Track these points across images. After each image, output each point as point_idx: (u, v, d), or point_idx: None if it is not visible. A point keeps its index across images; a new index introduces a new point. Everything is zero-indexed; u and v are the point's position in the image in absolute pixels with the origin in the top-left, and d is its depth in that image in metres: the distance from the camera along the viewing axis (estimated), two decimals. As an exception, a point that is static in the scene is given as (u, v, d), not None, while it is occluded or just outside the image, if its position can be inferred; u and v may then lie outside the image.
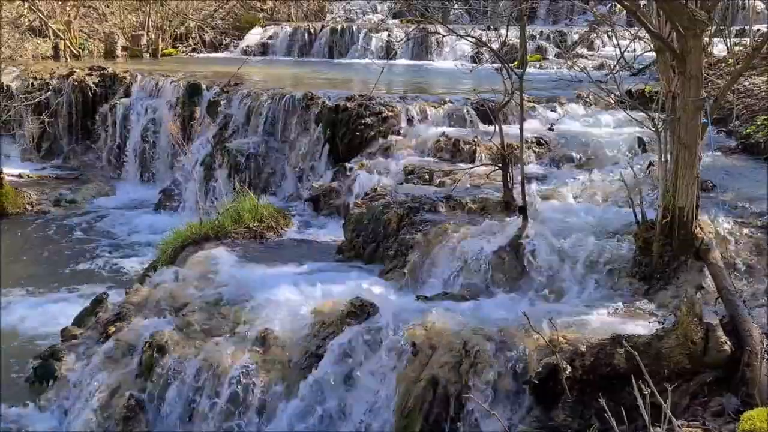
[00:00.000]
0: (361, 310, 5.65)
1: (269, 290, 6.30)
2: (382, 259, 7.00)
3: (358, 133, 9.97)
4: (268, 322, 5.88)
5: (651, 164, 7.78)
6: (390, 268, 6.78)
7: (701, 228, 5.68)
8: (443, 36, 7.55)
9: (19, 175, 12.68)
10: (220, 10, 20.70)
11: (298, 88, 11.70)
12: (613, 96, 6.76)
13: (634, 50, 11.44)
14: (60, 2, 16.82)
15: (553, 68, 15.06)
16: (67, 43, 16.92)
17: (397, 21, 21.28)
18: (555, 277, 6.05)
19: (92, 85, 13.69)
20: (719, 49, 12.89)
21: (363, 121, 10.00)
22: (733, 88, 8.42)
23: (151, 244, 9.67)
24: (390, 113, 10.03)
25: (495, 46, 14.88)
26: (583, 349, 4.72)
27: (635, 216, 5.87)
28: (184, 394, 5.62)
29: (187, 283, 6.79)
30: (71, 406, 5.97)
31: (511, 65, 11.47)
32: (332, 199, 9.00)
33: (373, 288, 6.35)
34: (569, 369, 4.61)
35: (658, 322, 4.99)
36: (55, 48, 16.80)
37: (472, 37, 7.37)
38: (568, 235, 6.29)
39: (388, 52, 16.60)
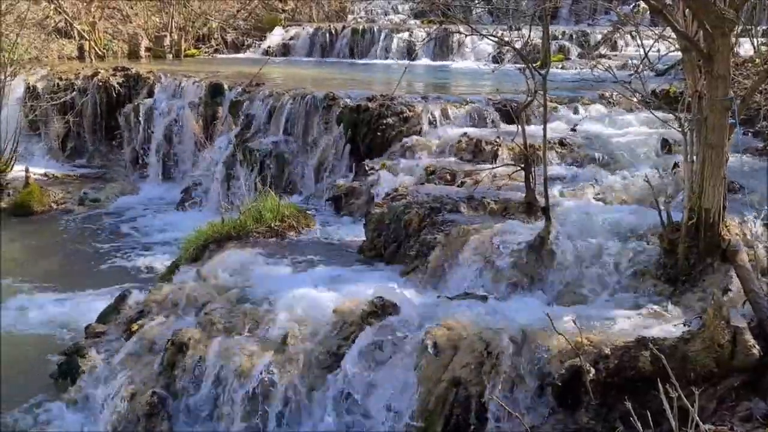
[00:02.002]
0: (382, 310, 5.65)
1: (291, 289, 6.31)
2: (403, 259, 6.98)
3: (379, 133, 9.96)
4: (290, 321, 5.89)
5: (676, 165, 7.69)
6: (411, 268, 6.76)
7: (728, 230, 5.60)
8: (465, 36, 7.51)
9: (45, 174, 12.86)
10: (242, 11, 20.82)
11: (320, 89, 11.72)
12: (637, 96, 6.69)
13: (658, 50, 11.29)
14: (85, 4, 17.01)
15: (575, 68, 14.97)
16: (92, 43, 17.12)
17: (418, 21, 21.26)
18: (578, 278, 6.00)
19: (116, 86, 13.83)
20: (746, 48, 12.70)
21: (384, 121, 9.98)
22: (760, 89, 8.29)
23: (174, 242, 9.74)
24: (411, 113, 10.01)
25: (517, 45, 14.88)
26: (608, 351, 4.67)
27: (660, 217, 5.79)
28: (206, 392, 5.65)
29: (209, 282, 6.84)
30: (95, 403, 6.02)
31: (534, 65, 11.40)
32: (353, 198, 8.99)
33: (395, 288, 6.34)
34: (593, 371, 4.57)
35: (684, 325, 4.91)
36: (80, 49, 17.00)
37: (495, 36, 7.33)
38: (592, 235, 6.23)
39: (410, 52, 16.59)
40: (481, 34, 6.60)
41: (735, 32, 5.39)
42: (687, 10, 5.42)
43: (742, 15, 6.02)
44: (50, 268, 9.55)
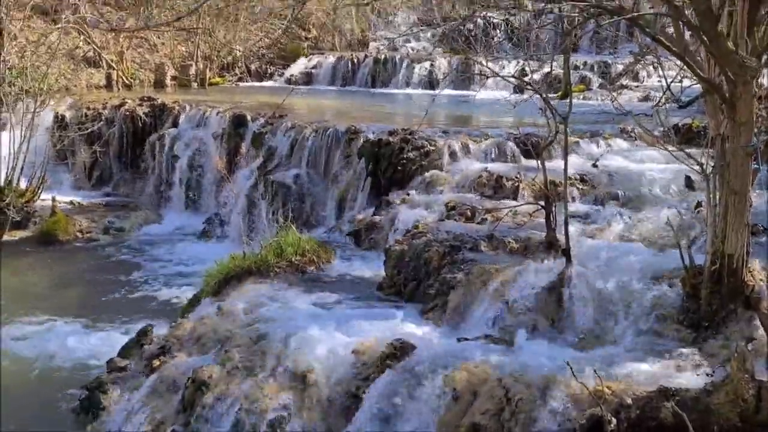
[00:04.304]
0: (401, 352, 5.65)
1: (310, 327, 6.33)
2: (422, 298, 6.98)
3: (400, 168, 10.02)
4: (309, 360, 5.91)
5: (699, 204, 7.62)
6: (431, 307, 6.75)
7: (752, 275, 5.53)
8: (485, 66, 7.56)
9: (71, 203, 13.08)
10: (266, 39, 21.15)
11: (341, 120, 11.85)
12: (658, 137, 6.67)
13: (681, 82, 11.20)
14: (114, 35, 17.41)
15: (597, 99, 14.95)
16: (120, 73, 17.49)
17: (439, 50, 21.39)
18: (599, 321, 5.95)
19: (142, 115, 14.10)
20: (770, 80, 12.57)
21: (405, 156, 10.05)
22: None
23: (196, 274, 9.83)
24: (432, 148, 10.07)
25: (537, 76, 14.92)
26: (629, 401, 4.62)
27: (682, 260, 5.74)
28: (225, 431, 5.67)
29: (229, 318, 6.88)
30: (116, 439, 6.08)
31: (554, 96, 11.39)
32: (374, 233, 9.03)
33: (414, 327, 6.35)
34: (614, 422, 4.52)
35: (707, 375, 4.85)
36: (108, 78, 17.38)
37: (515, 77, 7.38)
38: (613, 278, 6.18)
39: (431, 83, 16.70)
40: (501, 77, 6.63)
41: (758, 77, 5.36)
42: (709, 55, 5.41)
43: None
44: (73, 299, 9.68)
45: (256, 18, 20.36)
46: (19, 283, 10.10)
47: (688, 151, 6.16)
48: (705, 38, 4.86)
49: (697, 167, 5.79)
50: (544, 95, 6.41)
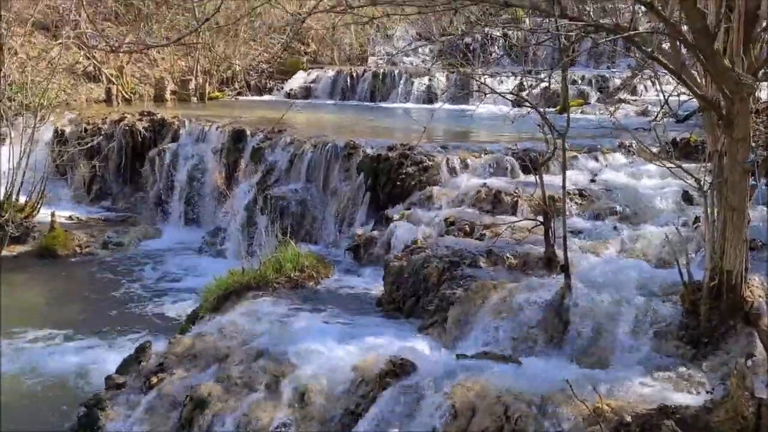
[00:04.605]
0: (400, 369, 5.64)
1: (309, 343, 6.32)
2: (422, 314, 6.98)
3: (399, 183, 10.04)
4: (308, 377, 5.89)
5: (698, 219, 7.64)
6: (430, 323, 6.75)
7: (751, 292, 5.53)
8: (483, 83, 7.61)
9: (70, 217, 13.09)
10: (265, 54, 21.24)
11: (340, 135, 11.87)
12: (656, 151, 6.68)
13: (679, 96, 11.22)
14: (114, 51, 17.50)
15: (595, 114, 15.01)
16: (120, 87, 17.54)
17: (438, 64, 21.45)
18: (598, 338, 5.93)
19: (142, 130, 14.13)
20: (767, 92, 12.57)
21: (404, 171, 10.07)
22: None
23: (195, 289, 9.82)
24: (431, 163, 10.09)
25: (535, 90, 14.99)
26: (629, 419, 4.61)
27: (681, 277, 5.74)
28: (223, 449, 5.65)
29: (228, 335, 6.86)
30: (113, 458, 6.05)
31: (552, 111, 11.36)
32: (373, 248, 9.03)
33: (413, 343, 6.33)
34: (614, 440, 4.50)
35: (707, 392, 4.84)
36: (108, 92, 17.43)
37: (513, 93, 7.42)
38: (612, 294, 6.17)
39: (430, 97, 16.76)
40: (499, 93, 6.65)
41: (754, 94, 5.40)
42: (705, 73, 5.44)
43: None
44: (72, 314, 9.65)
45: (256, 33, 20.44)
46: (18, 298, 10.08)
47: (686, 165, 6.19)
48: (701, 56, 4.88)
49: (694, 183, 5.81)
50: (542, 111, 6.42)
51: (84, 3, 17.04)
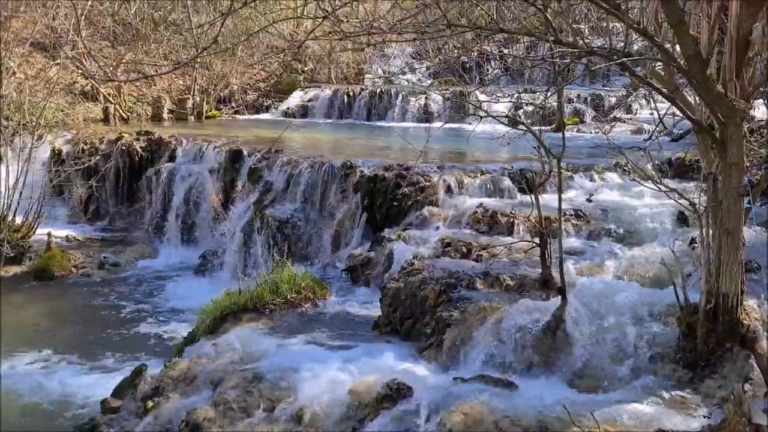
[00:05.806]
0: (397, 393, 5.62)
1: (306, 366, 6.31)
2: (419, 336, 6.97)
3: (395, 203, 10.07)
4: (304, 400, 5.88)
5: (694, 240, 7.65)
6: (427, 345, 6.74)
7: (747, 314, 5.54)
8: (479, 107, 7.68)
9: (66, 237, 13.04)
10: (262, 73, 21.34)
11: (337, 155, 11.89)
12: (651, 174, 6.72)
13: (673, 116, 11.24)
14: (112, 68, 17.56)
15: (590, 132, 15.09)
16: (117, 106, 17.59)
17: (434, 81, 21.55)
18: (595, 360, 5.94)
19: (139, 150, 14.14)
20: (762, 111, 12.61)
21: (401, 191, 10.10)
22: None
23: (191, 310, 9.78)
24: (427, 183, 10.12)
25: (531, 108, 15.07)
26: (626, 444, 4.59)
27: (677, 299, 5.76)
28: (219, 474, 5.61)
29: (224, 358, 6.84)
30: (109, 483, 6.00)
31: (548, 129, 11.36)
32: (369, 269, 9.04)
33: (410, 366, 6.34)
34: (611, 466, 4.49)
35: (704, 416, 4.84)
36: (105, 111, 17.46)
37: (508, 116, 7.47)
38: (608, 316, 6.18)
39: (427, 116, 16.84)
40: (494, 117, 6.70)
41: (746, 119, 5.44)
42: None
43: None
44: (68, 335, 9.61)
45: (253, 52, 20.56)
46: (14, 319, 10.03)
47: (681, 185, 6.22)
48: (694, 81, 4.93)
49: (689, 206, 5.84)
50: (538, 134, 6.46)
51: (81, 26, 17.12)
